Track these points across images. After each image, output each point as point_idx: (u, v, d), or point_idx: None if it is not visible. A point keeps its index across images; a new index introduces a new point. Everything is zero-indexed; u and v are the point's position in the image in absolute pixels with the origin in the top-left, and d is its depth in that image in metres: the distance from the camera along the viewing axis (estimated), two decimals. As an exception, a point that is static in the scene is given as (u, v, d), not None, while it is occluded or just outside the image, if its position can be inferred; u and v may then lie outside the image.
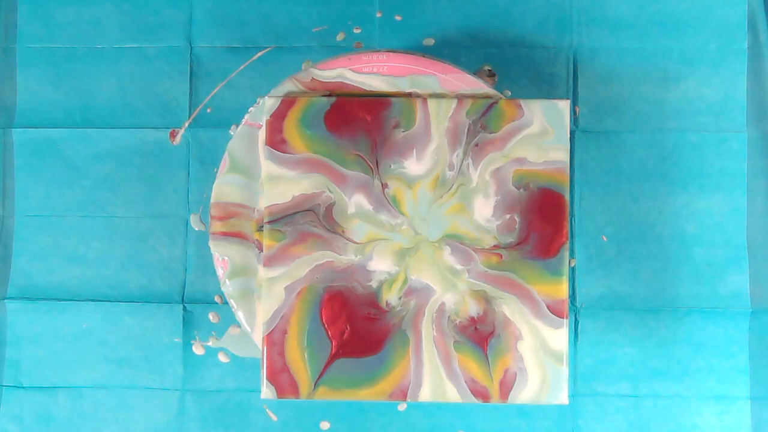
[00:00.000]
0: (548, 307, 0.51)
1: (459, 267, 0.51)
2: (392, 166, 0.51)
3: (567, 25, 0.59)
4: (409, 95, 0.52)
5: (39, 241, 0.59)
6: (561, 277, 0.51)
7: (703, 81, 0.58)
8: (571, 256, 0.58)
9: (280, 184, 0.51)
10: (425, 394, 0.51)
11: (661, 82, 0.58)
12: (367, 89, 0.52)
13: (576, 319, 0.58)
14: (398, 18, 0.59)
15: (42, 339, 0.59)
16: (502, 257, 0.51)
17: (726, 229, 0.58)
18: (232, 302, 0.53)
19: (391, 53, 0.52)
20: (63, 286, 0.59)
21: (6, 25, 0.59)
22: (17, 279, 0.59)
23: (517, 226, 0.51)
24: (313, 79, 0.53)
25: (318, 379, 0.51)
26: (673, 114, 0.58)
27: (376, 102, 0.52)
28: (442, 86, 0.52)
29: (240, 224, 0.53)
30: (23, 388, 0.59)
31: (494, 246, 0.51)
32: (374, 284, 0.51)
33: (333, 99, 0.52)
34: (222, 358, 0.58)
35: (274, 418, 0.59)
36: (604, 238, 0.58)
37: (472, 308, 0.51)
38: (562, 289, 0.51)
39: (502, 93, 0.56)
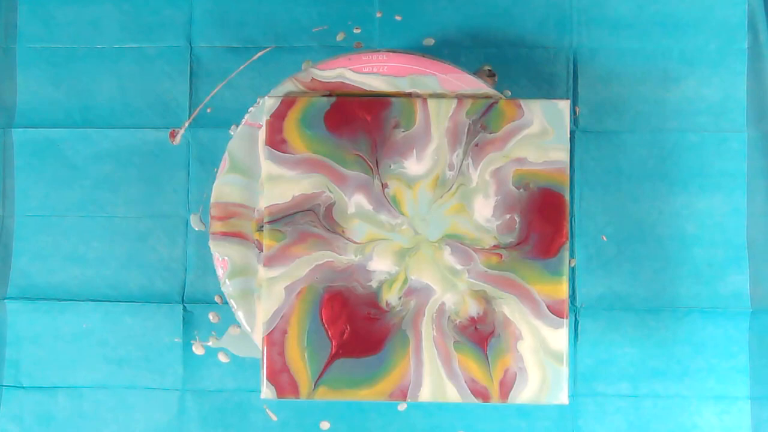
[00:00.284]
0: (548, 307, 0.51)
1: (459, 267, 0.51)
2: (392, 166, 0.51)
3: (567, 25, 0.59)
4: (409, 95, 0.52)
5: (39, 241, 0.59)
6: (561, 277, 0.51)
7: (703, 81, 0.58)
8: (571, 256, 0.58)
9: (280, 184, 0.51)
10: (425, 394, 0.51)
11: (661, 82, 0.58)
12: (367, 89, 0.52)
13: (576, 319, 0.58)
14: (398, 18, 0.59)
15: (42, 339, 0.59)
16: (502, 257, 0.51)
17: (726, 229, 0.58)
18: (232, 302, 0.53)
19: (391, 53, 0.52)
20: (63, 286, 0.59)
21: (6, 25, 0.59)
22: (17, 279, 0.59)
23: (517, 226, 0.51)
24: (313, 79, 0.53)
25: (318, 379, 0.51)
26: (673, 114, 0.58)
27: (376, 102, 0.52)
28: (442, 86, 0.52)
29: (240, 224, 0.53)
30: (23, 388, 0.59)
31: (494, 246, 0.51)
32: (374, 284, 0.51)
33: (333, 99, 0.52)
34: (222, 358, 0.58)
35: (274, 418, 0.59)
36: (604, 238, 0.58)
37: (472, 308, 0.51)
38: (562, 289, 0.51)
39: (502, 93, 0.56)
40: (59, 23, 0.59)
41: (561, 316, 0.51)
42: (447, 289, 0.51)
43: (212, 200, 0.53)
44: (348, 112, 0.52)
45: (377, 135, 0.52)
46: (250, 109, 0.53)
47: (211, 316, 0.59)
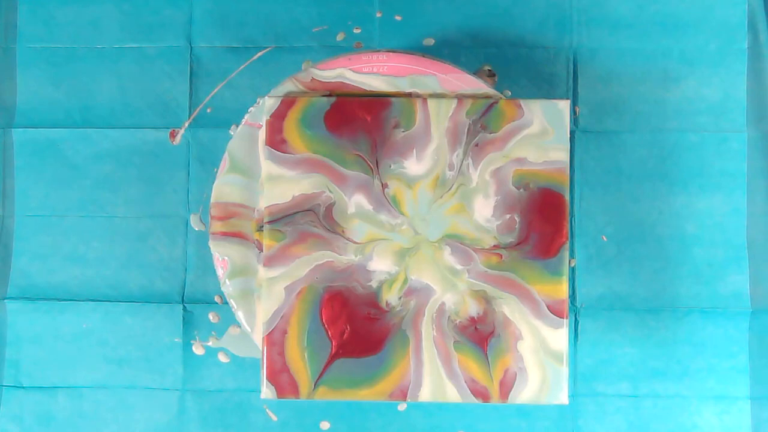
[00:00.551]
0: (548, 307, 0.51)
1: (459, 267, 0.51)
2: (392, 166, 0.51)
3: (567, 25, 0.59)
4: (409, 95, 0.52)
5: (39, 241, 0.59)
6: (561, 277, 0.51)
7: (703, 81, 0.58)
8: (571, 256, 0.58)
9: (280, 184, 0.51)
10: (425, 394, 0.51)
11: (661, 82, 0.58)
12: (367, 89, 0.52)
13: (576, 319, 0.58)
14: (398, 18, 0.59)
15: (42, 339, 0.59)
16: (502, 257, 0.51)
17: (726, 229, 0.58)
18: (232, 302, 0.53)
19: (391, 53, 0.52)
20: (63, 286, 0.59)
21: (6, 25, 0.59)
22: (17, 279, 0.59)
23: (517, 226, 0.51)
24: (313, 79, 0.53)
25: (318, 379, 0.51)
26: (673, 114, 0.58)
27: (376, 102, 0.52)
28: (442, 86, 0.52)
29: (240, 224, 0.53)
30: (23, 388, 0.59)
31: (494, 246, 0.51)
32: (374, 284, 0.51)
33: (333, 99, 0.52)
34: (222, 358, 0.58)
35: (274, 418, 0.59)
36: (604, 238, 0.58)
37: (472, 308, 0.51)
38: (562, 289, 0.51)
39: (502, 93, 0.56)
40: (59, 23, 0.59)
41: (561, 316, 0.51)
42: (447, 289, 0.51)
43: (212, 200, 0.53)
44: (348, 112, 0.52)
45: (377, 135, 0.52)
46: (250, 109, 0.53)
47: (211, 316, 0.59)
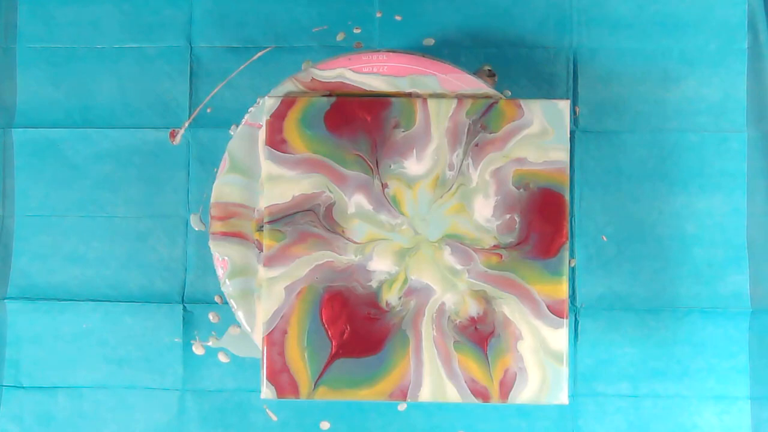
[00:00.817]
0: (548, 307, 0.51)
1: (459, 267, 0.51)
2: (392, 166, 0.51)
3: (567, 25, 0.59)
4: (409, 95, 0.52)
5: (39, 241, 0.59)
6: (561, 277, 0.51)
7: (703, 81, 0.58)
8: (571, 256, 0.58)
9: (280, 184, 0.51)
10: (425, 394, 0.51)
11: (661, 82, 0.58)
12: (367, 89, 0.52)
13: (576, 319, 0.58)
14: (398, 18, 0.59)
15: (42, 339, 0.59)
16: (502, 257, 0.51)
17: (726, 229, 0.58)
18: (232, 302, 0.53)
19: (391, 53, 0.52)
20: (63, 286, 0.59)
21: (6, 25, 0.59)
22: (17, 279, 0.59)
23: (517, 226, 0.51)
24: (313, 79, 0.53)
25: (318, 379, 0.51)
26: (673, 114, 0.58)
27: (376, 102, 0.52)
28: (442, 86, 0.52)
29: (240, 224, 0.53)
30: (23, 388, 0.59)
31: (494, 246, 0.51)
32: (374, 284, 0.51)
33: (333, 99, 0.52)
34: (222, 358, 0.58)
35: (274, 418, 0.59)
36: (604, 238, 0.58)
37: (472, 308, 0.51)
38: (562, 289, 0.51)
39: (502, 93, 0.56)
40: (59, 23, 0.59)
41: (561, 316, 0.51)
42: (447, 289, 0.51)
43: (212, 200, 0.53)
44: (348, 112, 0.52)
45: (377, 135, 0.52)
46: (250, 109, 0.53)
47: (211, 316, 0.59)
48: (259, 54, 0.59)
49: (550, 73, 0.59)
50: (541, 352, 0.51)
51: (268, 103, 0.52)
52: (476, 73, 0.58)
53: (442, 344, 0.51)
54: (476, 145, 0.51)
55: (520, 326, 0.51)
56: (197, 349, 0.59)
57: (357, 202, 0.51)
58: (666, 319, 0.58)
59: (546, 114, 0.51)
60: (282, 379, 0.51)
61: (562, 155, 0.51)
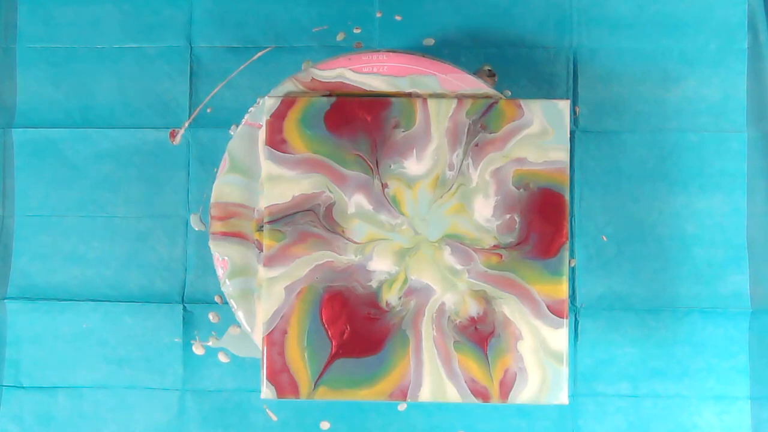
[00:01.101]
0: (548, 307, 0.51)
1: (459, 267, 0.51)
2: (392, 166, 0.51)
3: (567, 25, 0.59)
4: (409, 95, 0.52)
5: (39, 241, 0.59)
6: (561, 277, 0.51)
7: (703, 81, 0.58)
8: (571, 256, 0.58)
9: (280, 184, 0.51)
10: (425, 394, 0.51)
11: (661, 82, 0.58)
12: (367, 89, 0.52)
13: (576, 319, 0.58)
14: (398, 18, 0.59)
15: (42, 339, 0.59)
16: (502, 257, 0.51)
17: (726, 229, 0.58)
18: (232, 302, 0.53)
19: (391, 53, 0.52)
20: (63, 286, 0.59)
21: (6, 25, 0.59)
22: (17, 279, 0.59)
23: (517, 226, 0.51)
24: (313, 79, 0.53)
25: (318, 379, 0.51)
26: (673, 114, 0.58)
27: (376, 102, 0.52)
28: (442, 86, 0.52)
29: (240, 224, 0.53)
30: (23, 388, 0.59)
31: (494, 246, 0.51)
32: (374, 284, 0.51)
33: (333, 99, 0.52)
34: (222, 358, 0.58)
35: (274, 418, 0.59)
36: (604, 238, 0.58)
37: (472, 308, 0.51)
38: (562, 289, 0.51)
39: (502, 93, 0.56)
40: (59, 23, 0.59)
41: (561, 316, 0.51)
42: (447, 289, 0.51)
43: (212, 200, 0.53)
44: (348, 112, 0.52)
45: (377, 135, 0.52)
46: (250, 109, 0.53)
47: (211, 316, 0.59)
48: (259, 54, 0.59)
49: (550, 73, 0.59)
50: (541, 352, 0.51)
51: (268, 103, 0.52)
52: (476, 73, 0.58)
53: (442, 344, 0.51)
54: (476, 145, 0.51)
55: (520, 326, 0.51)
56: (197, 349, 0.59)
57: (357, 202, 0.51)
58: (666, 319, 0.58)
59: (546, 114, 0.51)
60: (282, 379, 0.51)
61: (562, 155, 0.51)
